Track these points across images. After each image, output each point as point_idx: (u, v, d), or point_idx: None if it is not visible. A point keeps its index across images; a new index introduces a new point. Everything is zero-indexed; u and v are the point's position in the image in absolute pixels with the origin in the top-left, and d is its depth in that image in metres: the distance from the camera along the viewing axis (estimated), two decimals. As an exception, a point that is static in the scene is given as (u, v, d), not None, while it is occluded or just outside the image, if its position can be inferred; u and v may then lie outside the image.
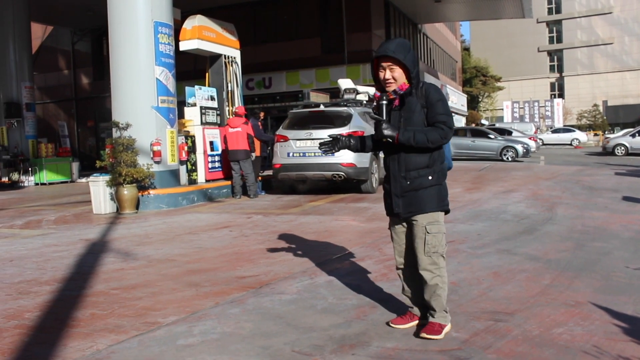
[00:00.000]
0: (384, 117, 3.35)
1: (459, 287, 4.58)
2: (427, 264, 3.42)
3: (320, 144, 3.74)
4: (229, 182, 12.59)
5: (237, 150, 11.79)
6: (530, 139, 29.20)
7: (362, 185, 11.86)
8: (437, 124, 3.32)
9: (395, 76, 3.35)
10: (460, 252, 5.83)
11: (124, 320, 4.01)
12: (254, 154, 12.05)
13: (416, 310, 3.65)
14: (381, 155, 11.73)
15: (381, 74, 3.38)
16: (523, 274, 4.92)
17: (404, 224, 3.53)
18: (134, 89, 10.89)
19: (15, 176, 19.09)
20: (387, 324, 3.70)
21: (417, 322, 3.64)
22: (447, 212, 3.50)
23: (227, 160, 12.60)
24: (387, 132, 3.29)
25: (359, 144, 3.74)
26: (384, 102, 3.37)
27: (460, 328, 3.61)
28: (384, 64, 3.35)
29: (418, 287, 3.57)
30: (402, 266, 3.61)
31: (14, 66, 20.00)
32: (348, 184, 12.21)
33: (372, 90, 15.45)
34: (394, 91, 3.37)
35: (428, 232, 3.38)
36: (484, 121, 52.89)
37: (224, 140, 12.28)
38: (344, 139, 3.69)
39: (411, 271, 3.58)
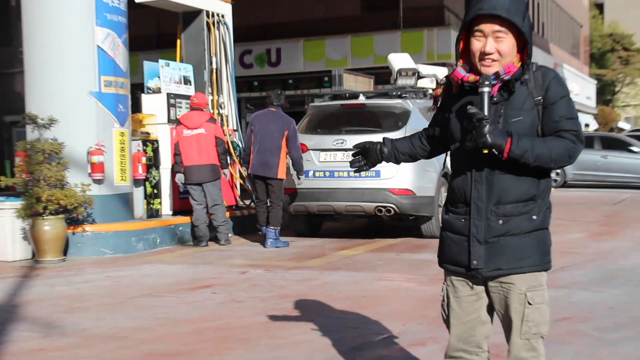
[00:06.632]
0: (487, 113, 3.28)
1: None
2: (521, 350, 3.46)
3: (351, 160, 3.86)
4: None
5: (200, 167, 11.50)
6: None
7: (423, 224, 11.91)
8: (561, 132, 3.34)
9: (502, 49, 3.32)
10: (581, 336, 5.87)
11: None
12: (227, 172, 12.00)
13: None
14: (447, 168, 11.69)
15: (478, 44, 3.36)
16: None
17: (477, 286, 3.57)
18: (60, 63, 11.08)
19: None
20: None
21: None
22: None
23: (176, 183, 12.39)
24: (493, 138, 3.22)
25: (395, 150, 3.84)
26: (487, 89, 3.31)
27: None
28: (486, 29, 3.32)
29: None
30: (459, 354, 3.63)
31: None
32: (401, 223, 12.26)
33: (442, 72, 15.54)
34: (495, 74, 3.35)
35: (529, 303, 3.41)
36: (623, 124, 52.66)
37: (176, 150, 11.78)
38: (375, 147, 3.80)
39: (475, 359, 3.62)
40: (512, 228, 3.38)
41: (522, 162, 3.26)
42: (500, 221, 3.38)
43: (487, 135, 3.17)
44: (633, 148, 24.69)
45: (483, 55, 3.32)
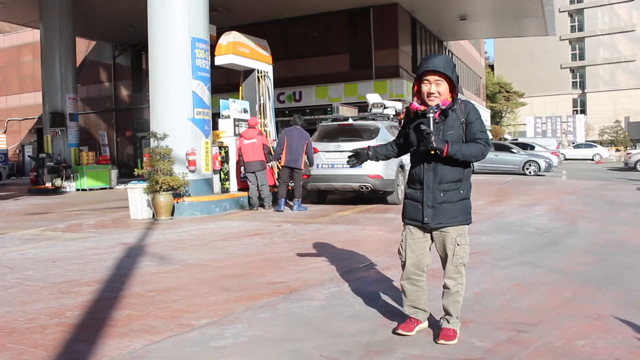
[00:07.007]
0: (432, 129, 3.35)
1: (482, 297, 4.53)
2: (452, 273, 3.51)
3: (347, 159, 3.91)
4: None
5: (253, 162, 11.47)
6: (552, 153, 28.74)
7: (388, 196, 11.81)
8: (477, 140, 3.39)
9: (440, 91, 3.38)
10: (483, 263, 5.77)
11: (159, 321, 4.06)
12: (272, 163, 11.76)
13: (420, 315, 3.68)
14: (406, 166, 11.70)
15: (426, 87, 3.41)
16: (545, 286, 4.85)
17: (426, 233, 3.54)
18: (171, 101, 11.05)
19: (58, 182, 19.50)
20: (394, 332, 3.68)
21: (421, 325, 3.68)
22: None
23: (239, 172, 12.49)
24: (437, 144, 3.29)
25: (377, 153, 3.87)
26: (432, 114, 3.38)
27: (484, 337, 3.57)
28: (431, 78, 3.38)
29: (422, 294, 3.63)
30: (412, 275, 3.58)
31: (60, 78, 20.46)
32: (375, 195, 12.17)
33: (399, 105, 15.42)
34: (437, 105, 3.40)
35: (458, 244, 3.46)
36: (506, 136, 52.37)
37: (239, 152, 11.84)
38: (364, 151, 3.84)
39: (421, 279, 3.59)
40: (448, 198, 3.44)
41: (454, 158, 3.35)
42: (442, 194, 3.44)
43: (433, 142, 3.29)
44: (512, 150, 24.72)
45: (429, 94, 3.41)
